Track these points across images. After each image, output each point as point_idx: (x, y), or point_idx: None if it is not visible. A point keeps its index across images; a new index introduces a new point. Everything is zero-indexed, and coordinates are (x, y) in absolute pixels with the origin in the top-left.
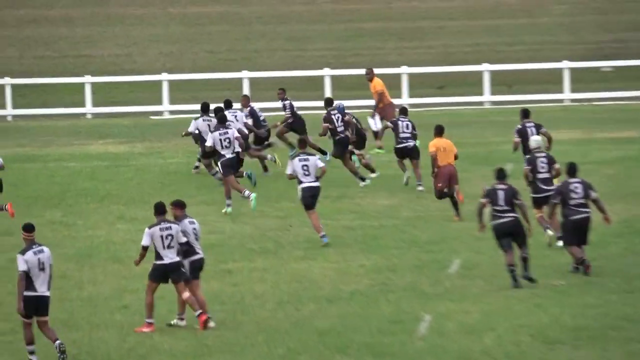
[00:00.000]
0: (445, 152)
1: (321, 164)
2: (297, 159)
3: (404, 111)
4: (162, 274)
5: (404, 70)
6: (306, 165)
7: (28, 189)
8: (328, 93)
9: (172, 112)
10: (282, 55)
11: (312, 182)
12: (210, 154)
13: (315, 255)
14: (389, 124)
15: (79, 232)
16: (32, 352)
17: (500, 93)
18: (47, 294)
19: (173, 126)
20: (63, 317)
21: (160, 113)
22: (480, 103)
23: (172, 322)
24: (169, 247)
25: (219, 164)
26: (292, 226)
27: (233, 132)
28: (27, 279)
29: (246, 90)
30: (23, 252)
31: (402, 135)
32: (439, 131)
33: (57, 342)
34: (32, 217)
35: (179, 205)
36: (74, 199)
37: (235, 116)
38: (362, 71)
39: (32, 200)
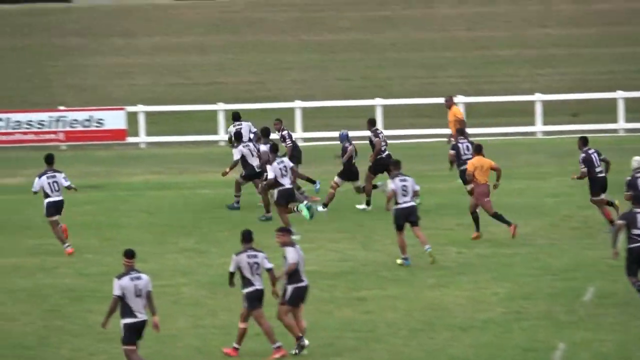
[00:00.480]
0: (482, 170)
1: (417, 187)
2: (397, 179)
3: (462, 132)
4: (258, 298)
5: (538, 97)
6: (405, 186)
7: (162, 216)
8: None
9: (305, 140)
10: (415, 82)
11: (409, 202)
12: (254, 176)
13: (448, 283)
14: (451, 151)
15: (213, 259)
16: None
17: (635, 121)
18: (146, 318)
19: (307, 154)
20: (196, 344)
21: None
22: (615, 130)
23: (294, 352)
24: (256, 273)
25: (276, 192)
26: (425, 253)
27: (289, 162)
28: (124, 305)
29: (379, 118)
30: (120, 277)
31: (464, 157)
32: (478, 150)
33: None
34: (166, 244)
35: (287, 231)
36: (207, 226)
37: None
38: (497, 98)
39: (166, 228)
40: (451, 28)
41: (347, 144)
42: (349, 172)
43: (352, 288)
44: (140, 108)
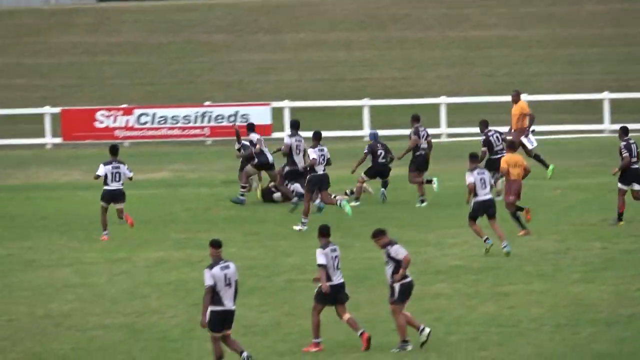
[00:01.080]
0: (515, 167)
1: (492, 180)
2: (475, 172)
3: (487, 124)
4: (335, 292)
5: None
6: (483, 179)
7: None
8: (606, 117)
9: (449, 135)
10: (561, 79)
11: (487, 195)
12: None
13: (593, 278)
14: (483, 148)
15: (357, 254)
16: None
17: None
18: (234, 307)
19: (451, 149)
20: (340, 338)
21: (438, 136)
22: None
23: None
24: (337, 267)
25: (307, 179)
26: (570, 249)
27: (327, 153)
28: (214, 294)
29: None
30: (210, 267)
31: (496, 148)
32: (511, 147)
33: (244, 354)
34: (310, 238)
35: (383, 232)
36: (350, 221)
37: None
38: None
39: (312, 222)
40: (597, 24)
41: (378, 145)
42: (377, 171)
43: (497, 283)
44: (285, 103)
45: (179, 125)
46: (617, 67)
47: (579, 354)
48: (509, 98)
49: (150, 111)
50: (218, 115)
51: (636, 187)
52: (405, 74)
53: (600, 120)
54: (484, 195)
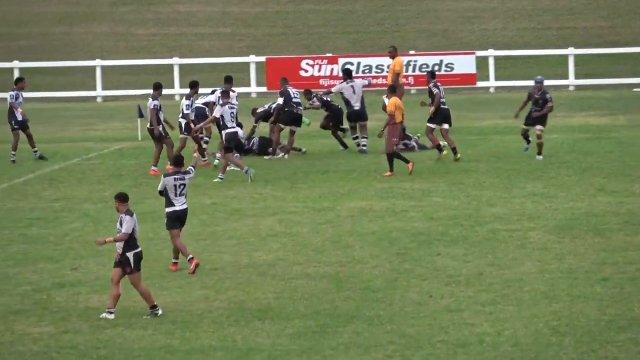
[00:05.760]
0: (399, 110)
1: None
2: (227, 106)
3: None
4: (178, 218)
5: None
6: (233, 113)
7: (510, 160)
8: None
9: None
10: None
11: (235, 128)
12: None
13: None
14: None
15: (560, 204)
16: None
17: None
18: None
19: None
20: (543, 288)
21: None
22: None
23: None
24: (180, 194)
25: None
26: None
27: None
28: None
29: None
30: None
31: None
32: (392, 90)
33: None
34: (514, 188)
35: (124, 198)
36: (555, 171)
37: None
38: None
39: (514, 172)
40: None
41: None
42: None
43: None
44: (490, 52)
45: (383, 74)
46: None
47: None
48: None
49: (355, 60)
50: (422, 64)
51: (445, 126)
52: (611, 22)
53: None
54: (234, 127)
